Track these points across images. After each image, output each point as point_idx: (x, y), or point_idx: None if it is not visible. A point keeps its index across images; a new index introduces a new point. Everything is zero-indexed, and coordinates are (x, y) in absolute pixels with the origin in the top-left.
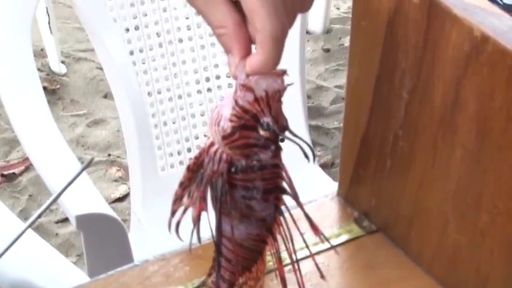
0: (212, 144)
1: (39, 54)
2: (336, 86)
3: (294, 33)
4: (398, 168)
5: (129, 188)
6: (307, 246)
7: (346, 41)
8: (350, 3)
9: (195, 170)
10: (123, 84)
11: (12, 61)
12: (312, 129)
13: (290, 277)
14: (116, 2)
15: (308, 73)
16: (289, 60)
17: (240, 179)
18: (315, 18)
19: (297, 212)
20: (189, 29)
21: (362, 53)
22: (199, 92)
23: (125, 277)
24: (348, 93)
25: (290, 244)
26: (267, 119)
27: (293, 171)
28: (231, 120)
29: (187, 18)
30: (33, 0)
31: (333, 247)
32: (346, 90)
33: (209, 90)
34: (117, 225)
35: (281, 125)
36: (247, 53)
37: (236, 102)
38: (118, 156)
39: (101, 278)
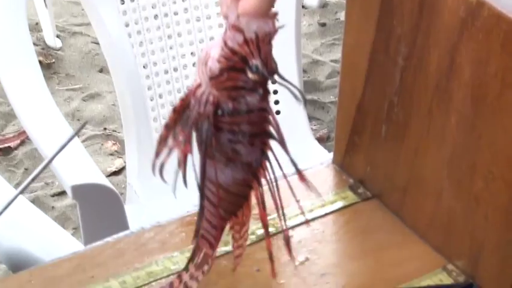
0: (199, 85)
1: (34, 28)
2: (332, 60)
3: (289, 7)
4: (393, 136)
5: (124, 162)
6: (302, 213)
7: (342, 16)
8: None
9: (181, 111)
10: (119, 56)
11: (7, 34)
12: (308, 103)
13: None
14: None
15: (304, 47)
16: (285, 34)
17: (227, 122)
18: None
19: (293, 179)
20: (184, 0)
21: (357, 20)
22: (194, 64)
23: (121, 244)
24: (344, 61)
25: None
26: (255, 62)
27: (290, 144)
28: (219, 61)
29: None
30: None
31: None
32: (341, 58)
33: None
34: (113, 195)
35: (270, 68)
36: None
37: (225, 43)
38: (114, 130)
39: (96, 245)
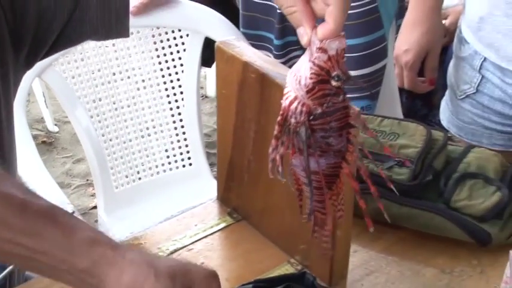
0: (291, 102)
1: (40, 120)
2: None
3: (192, 97)
4: (252, 180)
5: None
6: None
7: None
8: None
9: (282, 123)
10: (88, 136)
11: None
12: (213, 155)
13: None
14: (80, 85)
15: (208, 121)
16: (190, 114)
17: (319, 124)
18: (210, 87)
19: (189, 213)
20: (127, 99)
21: (224, 109)
22: (136, 138)
23: None
24: (219, 134)
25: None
26: (337, 72)
27: (196, 184)
28: (311, 78)
29: (127, 92)
30: (25, 92)
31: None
32: (217, 132)
33: (142, 137)
34: None
35: (347, 75)
36: (314, 24)
37: (313, 63)
38: (93, 181)
39: None
